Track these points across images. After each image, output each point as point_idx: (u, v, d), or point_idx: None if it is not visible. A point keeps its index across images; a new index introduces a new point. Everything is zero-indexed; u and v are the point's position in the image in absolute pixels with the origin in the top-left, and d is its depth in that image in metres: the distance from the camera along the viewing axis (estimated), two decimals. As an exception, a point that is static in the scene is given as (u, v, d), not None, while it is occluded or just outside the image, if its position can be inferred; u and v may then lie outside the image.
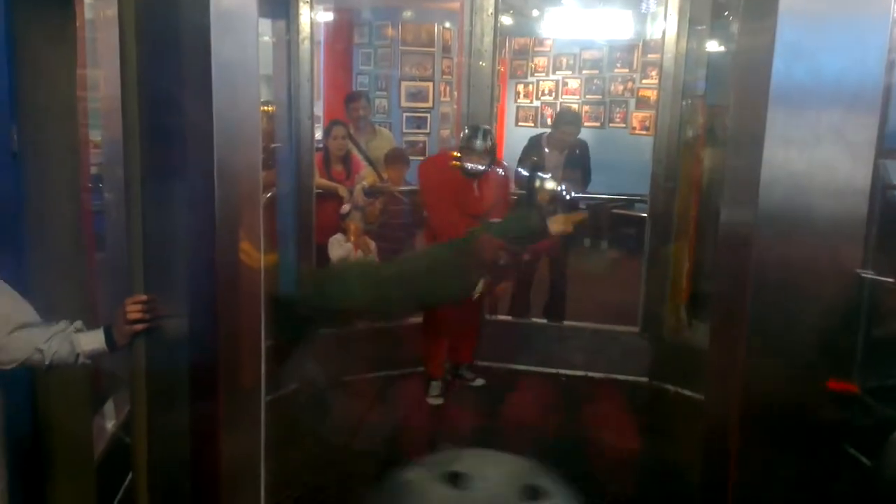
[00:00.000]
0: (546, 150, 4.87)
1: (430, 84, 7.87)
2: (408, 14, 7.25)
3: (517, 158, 5.21)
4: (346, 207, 4.62)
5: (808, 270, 1.52)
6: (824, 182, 1.49)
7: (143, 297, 1.86)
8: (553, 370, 4.67)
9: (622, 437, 4.00)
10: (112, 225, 3.33)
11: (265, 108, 4.24)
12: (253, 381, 1.75)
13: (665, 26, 4.43)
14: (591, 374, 4.66)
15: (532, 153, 4.86)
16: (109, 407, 3.28)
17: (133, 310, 1.85)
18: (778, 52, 1.45)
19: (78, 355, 1.82)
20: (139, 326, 1.85)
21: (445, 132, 7.99)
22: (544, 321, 4.91)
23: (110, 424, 3.17)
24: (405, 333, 4.51)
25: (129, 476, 2.91)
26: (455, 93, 7.90)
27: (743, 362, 1.56)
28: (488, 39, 4.50)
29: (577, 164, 4.87)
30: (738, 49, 1.57)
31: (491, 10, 4.48)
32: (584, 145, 4.93)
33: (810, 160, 1.48)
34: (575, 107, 7.94)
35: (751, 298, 1.53)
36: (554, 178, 4.39)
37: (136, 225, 1.84)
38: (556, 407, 4.30)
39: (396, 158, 5.00)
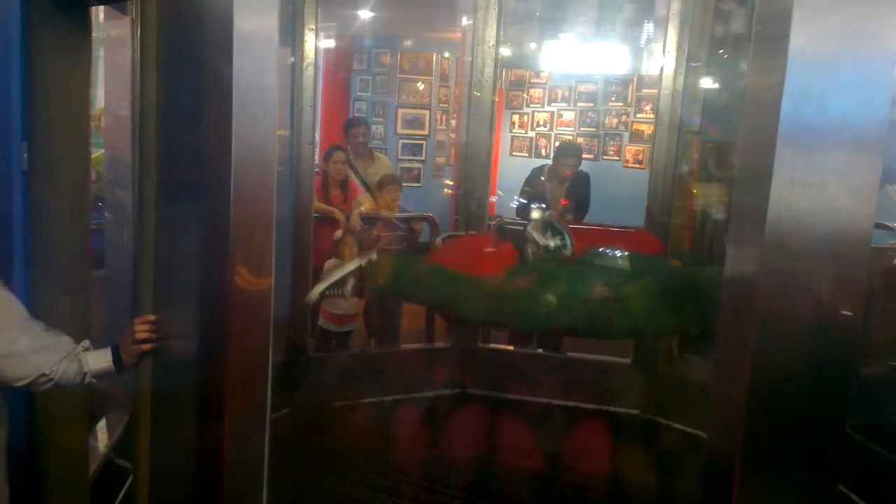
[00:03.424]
0: (547, 181, 4.92)
1: (427, 112, 7.95)
2: (408, 43, 7.34)
3: (517, 187, 5.27)
4: (339, 233, 4.63)
5: (811, 310, 1.55)
6: (828, 223, 1.53)
7: (152, 317, 1.87)
8: (546, 400, 4.67)
9: (608, 467, 4.00)
10: (112, 244, 3.35)
11: (279, 131, 4.28)
12: (260, 402, 1.76)
13: (663, 62, 4.50)
14: (582, 405, 4.67)
15: (533, 184, 4.92)
16: (101, 426, 3.26)
17: (141, 329, 1.85)
18: (787, 94, 1.49)
19: (85, 374, 1.83)
20: (146, 346, 1.86)
21: (441, 160, 8.06)
22: (540, 351, 4.93)
23: (102, 445, 3.15)
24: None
25: (121, 496, 2.91)
26: (452, 121, 7.99)
27: (745, 399, 1.59)
28: (489, 70, 4.56)
29: (578, 195, 4.92)
30: (748, 88, 1.61)
31: (492, 41, 4.55)
32: (584, 177, 4.99)
33: (815, 201, 1.52)
34: (569, 138, 8.02)
35: (755, 335, 1.56)
36: (554, 209, 4.44)
37: (147, 245, 1.85)
38: (546, 437, 4.30)
39: (389, 183, 5.03)
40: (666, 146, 4.55)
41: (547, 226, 3.38)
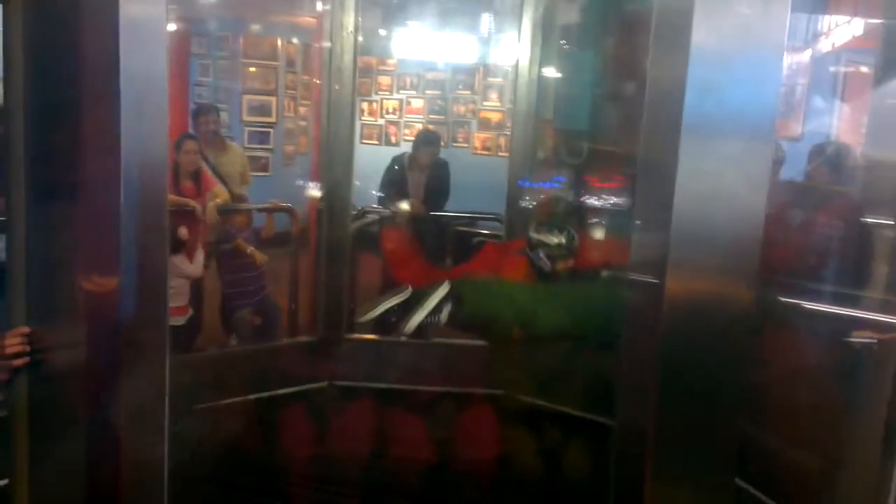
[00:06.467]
0: (407, 170, 4.91)
1: (274, 98, 7.69)
2: (255, 27, 7.05)
3: (369, 176, 5.21)
4: (183, 232, 4.34)
5: (713, 295, 1.64)
6: (727, 209, 1.62)
7: (25, 330, 1.68)
8: (414, 387, 4.68)
9: (483, 449, 4.09)
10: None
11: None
12: (157, 402, 1.63)
13: (518, 52, 4.62)
14: (453, 389, 4.72)
15: (394, 173, 4.89)
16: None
17: (12, 343, 1.66)
18: (690, 86, 1.56)
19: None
20: (19, 361, 1.66)
21: (290, 148, 7.83)
22: (404, 338, 4.92)
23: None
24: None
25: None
26: (301, 108, 7.79)
27: (656, 382, 1.66)
28: (348, 57, 4.47)
29: (438, 184, 4.94)
30: (649, 80, 1.67)
31: (351, 28, 4.46)
32: (444, 165, 5.02)
33: (715, 188, 1.61)
34: (419, 126, 8.06)
35: (664, 321, 1.63)
36: (416, 197, 4.44)
37: (17, 251, 1.65)
38: (421, 423, 4.32)
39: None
40: (523, 134, 4.67)
41: (551, 226, 3.52)
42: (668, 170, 1.59)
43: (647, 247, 1.69)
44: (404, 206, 3.57)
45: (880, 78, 3.48)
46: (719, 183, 1.60)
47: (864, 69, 4.08)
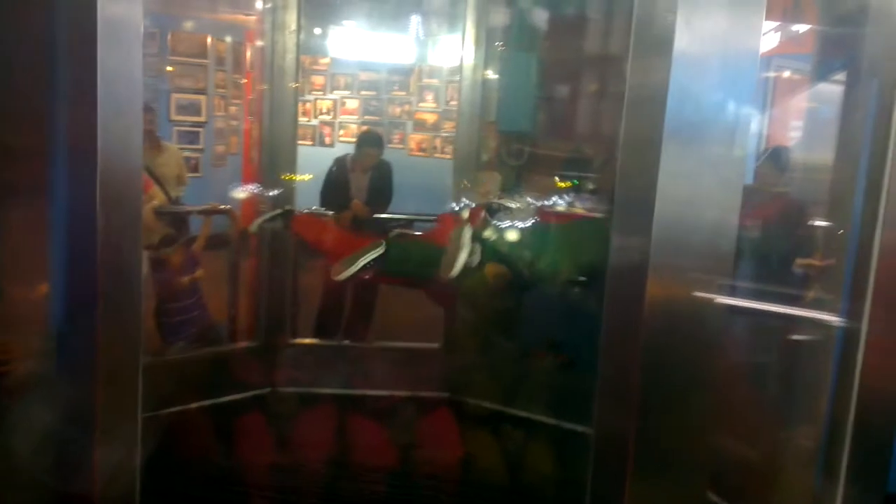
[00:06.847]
0: (350, 171, 4.86)
1: (204, 97, 7.49)
2: (188, 24, 6.86)
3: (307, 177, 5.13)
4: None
5: (691, 297, 1.68)
6: (703, 213, 1.66)
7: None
8: (358, 392, 4.63)
9: (432, 452, 4.08)
10: None
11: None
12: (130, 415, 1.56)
13: (462, 55, 4.62)
14: (394, 392, 4.69)
15: (336, 174, 4.83)
16: None
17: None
18: (671, 93, 1.59)
19: None
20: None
21: (221, 148, 7.65)
22: (347, 342, 4.88)
23: None
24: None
25: None
26: (232, 108, 7.62)
27: (636, 388, 1.68)
28: (291, 56, 4.39)
29: (381, 185, 4.91)
30: (629, 85, 1.69)
31: (293, 26, 4.39)
32: (387, 166, 4.98)
33: (694, 192, 1.64)
34: (353, 127, 7.99)
35: (646, 324, 1.65)
36: (359, 199, 4.40)
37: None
38: (368, 427, 4.28)
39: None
40: (468, 136, 4.69)
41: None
42: (649, 174, 1.62)
43: (626, 251, 1.71)
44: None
45: (813, 82, 3.64)
46: (698, 186, 1.64)
47: (794, 74, 4.26)
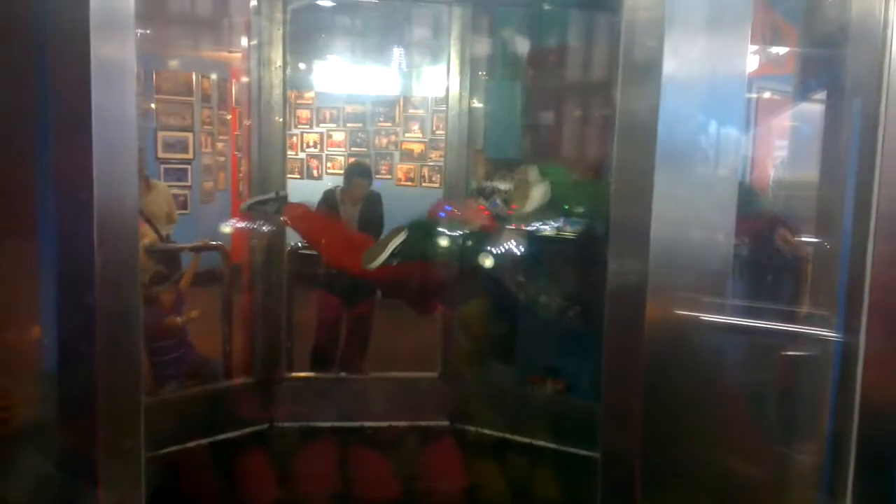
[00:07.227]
0: (340, 202, 4.87)
1: (191, 134, 7.52)
2: (174, 63, 6.89)
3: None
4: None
5: (690, 318, 1.69)
6: (698, 234, 1.68)
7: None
8: (357, 423, 4.60)
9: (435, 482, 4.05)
10: None
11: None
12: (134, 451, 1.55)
13: (448, 84, 4.67)
14: (395, 423, 4.66)
15: (328, 209, 4.84)
16: None
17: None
18: (662, 118, 1.62)
19: None
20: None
21: (209, 185, 7.66)
22: (343, 374, 4.86)
23: None
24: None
25: None
26: (219, 144, 7.64)
27: (640, 411, 1.68)
28: (278, 92, 4.42)
29: (371, 215, 4.92)
30: (620, 111, 1.71)
31: (279, 62, 4.42)
32: (377, 197, 5.00)
33: (687, 214, 1.66)
34: (341, 159, 8.03)
35: (647, 345, 1.66)
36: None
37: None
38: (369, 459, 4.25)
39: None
40: (456, 164, 4.71)
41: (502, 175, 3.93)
42: (643, 197, 1.64)
43: (624, 274, 1.72)
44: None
45: (795, 102, 3.68)
46: (692, 208, 1.66)
47: (775, 96, 4.31)
